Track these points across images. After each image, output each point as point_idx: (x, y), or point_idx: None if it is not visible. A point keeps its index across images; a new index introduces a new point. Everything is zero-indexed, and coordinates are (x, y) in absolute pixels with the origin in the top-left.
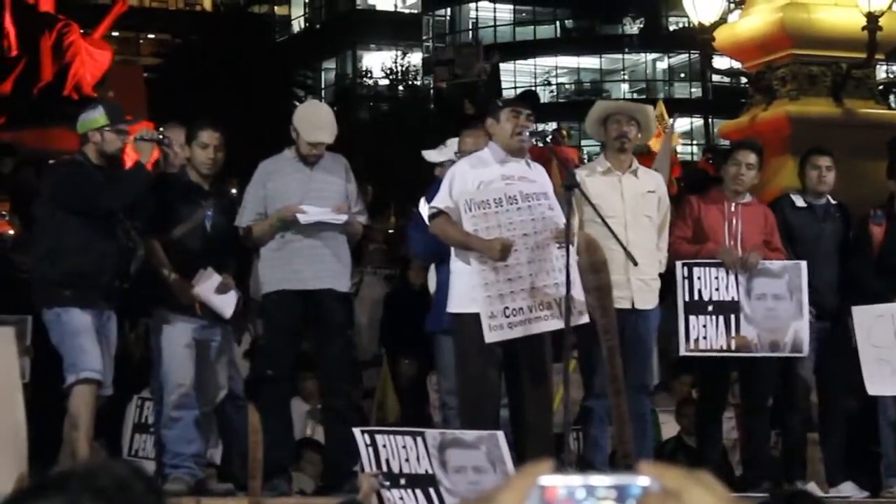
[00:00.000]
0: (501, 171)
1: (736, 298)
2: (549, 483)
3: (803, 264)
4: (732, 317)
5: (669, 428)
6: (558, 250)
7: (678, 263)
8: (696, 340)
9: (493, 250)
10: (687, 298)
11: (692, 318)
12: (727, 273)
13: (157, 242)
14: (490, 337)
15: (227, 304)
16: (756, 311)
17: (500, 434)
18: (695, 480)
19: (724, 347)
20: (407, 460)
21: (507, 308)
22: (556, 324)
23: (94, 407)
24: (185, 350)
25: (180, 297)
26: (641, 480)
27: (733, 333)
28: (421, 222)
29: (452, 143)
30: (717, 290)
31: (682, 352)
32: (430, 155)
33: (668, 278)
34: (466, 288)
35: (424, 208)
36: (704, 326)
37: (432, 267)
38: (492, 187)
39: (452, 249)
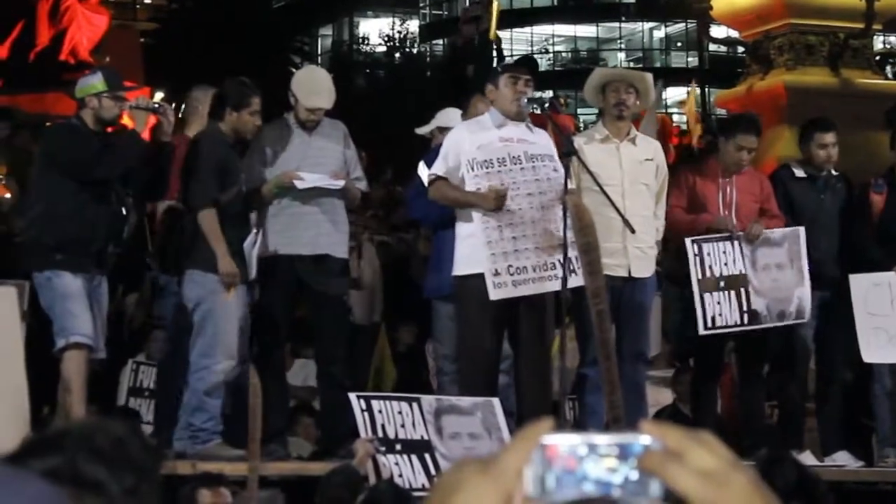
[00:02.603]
0: (500, 133)
1: (744, 271)
2: (550, 442)
3: (801, 230)
4: (743, 291)
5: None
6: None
7: (688, 241)
8: (713, 319)
9: (487, 200)
10: (700, 276)
11: (706, 296)
12: (733, 246)
13: (216, 215)
14: (494, 294)
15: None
16: (763, 283)
17: (496, 401)
18: (697, 440)
19: (738, 322)
20: (402, 426)
21: (510, 266)
22: (561, 284)
23: (86, 371)
24: (239, 320)
25: (224, 277)
26: (643, 439)
27: (745, 307)
28: (420, 187)
29: (442, 114)
30: (725, 264)
31: (702, 331)
32: (420, 130)
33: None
34: (471, 250)
35: (424, 172)
36: (719, 304)
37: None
38: (493, 147)
39: (457, 214)
